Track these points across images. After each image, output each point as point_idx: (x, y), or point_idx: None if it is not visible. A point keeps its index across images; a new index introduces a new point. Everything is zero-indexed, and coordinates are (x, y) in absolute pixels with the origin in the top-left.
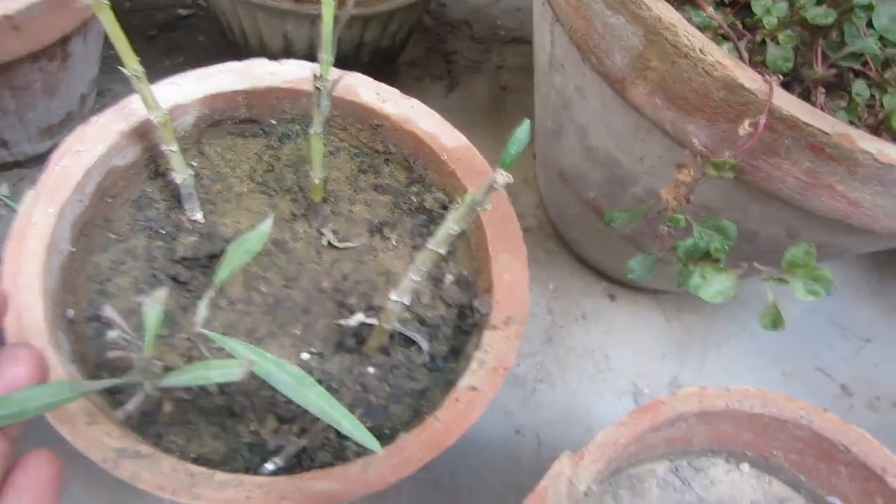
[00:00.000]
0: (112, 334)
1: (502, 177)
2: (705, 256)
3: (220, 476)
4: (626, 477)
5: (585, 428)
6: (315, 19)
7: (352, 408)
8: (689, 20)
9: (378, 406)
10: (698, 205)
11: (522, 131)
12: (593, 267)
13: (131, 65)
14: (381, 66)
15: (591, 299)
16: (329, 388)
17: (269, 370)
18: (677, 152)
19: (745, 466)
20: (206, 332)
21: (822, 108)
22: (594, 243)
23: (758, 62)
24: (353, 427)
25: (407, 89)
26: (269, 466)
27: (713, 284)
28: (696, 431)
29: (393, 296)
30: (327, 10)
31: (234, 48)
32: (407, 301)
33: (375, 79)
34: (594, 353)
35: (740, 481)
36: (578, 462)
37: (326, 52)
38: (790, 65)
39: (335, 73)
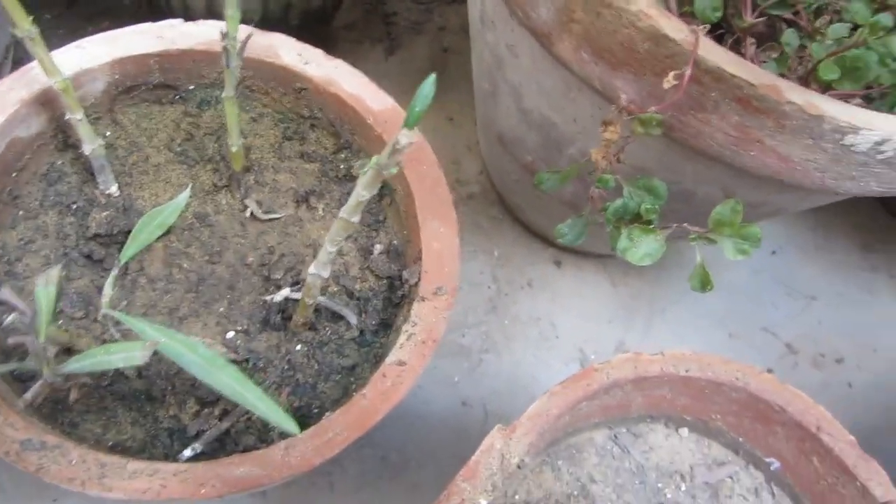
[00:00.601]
0: (10, 318)
1: (406, 137)
2: (636, 218)
3: (134, 465)
4: (564, 447)
5: (532, 397)
6: None
7: (279, 387)
8: None
9: (306, 384)
10: (632, 166)
11: (426, 86)
12: (538, 233)
13: (23, 25)
14: (315, 28)
15: (537, 266)
16: (255, 368)
17: (178, 351)
18: (608, 110)
19: (685, 431)
20: (112, 312)
21: (752, 60)
22: (537, 209)
23: (687, 12)
24: (269, 409)
25: (345, 54)
26: (188, 452)
27: (640, 246)
28: (633, 398)
29: (311, 269)
30: None
31: (159, 11)
32: (325, 274)
33: (311, 43)
34: (540, 321)
35: (679, 446)
36: (510, 435)
37: (231, 7)
38: (719, 14)
39: (245, 30)
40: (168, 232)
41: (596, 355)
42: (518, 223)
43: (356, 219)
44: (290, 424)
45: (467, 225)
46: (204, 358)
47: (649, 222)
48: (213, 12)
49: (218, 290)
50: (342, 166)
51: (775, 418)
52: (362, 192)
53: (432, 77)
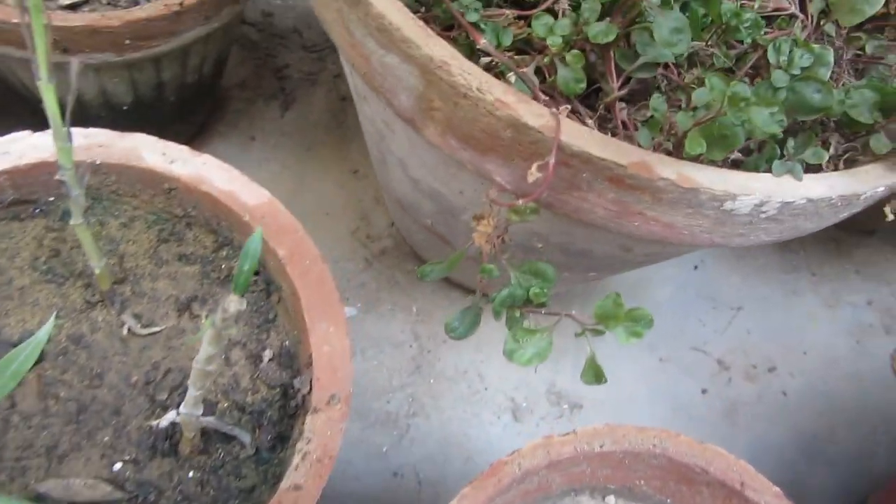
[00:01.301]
0: None
1: (235, 304)
2: (526, 303)
3: None
4: None
5: (465, 458)
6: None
7: None
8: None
9: None
10: (528, 232)
11: (253, 242)
12: (456, 283)
13: None
14: (198, 99)
15: None
16: (145, 501)
17: None
18: (489, 186)
19: (611, 498)
20: None
21: (624, 124)
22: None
23: (550, 86)
24: None
25: (238, 114)
26: None
27: (528, 347)
28: (552, 479)
29: (182, 409)
30: (48, 95)
31: (28, 104)
32: (198, 412)
33: (194, 112)
34: (467, 374)
35: None
36: None
37: (59, 138)
38: (583, 85)
39: (102, 137)
40: (41, 359)
41: (527, 402)
42: None
43: (212, 367)
44: None
45: (383, 282)
46: None
47: (541, 305)
48: (108, 103)
49: (101, 417)
50: (224, 266)
51: (699, 479)
52: (209, 347)
53: (259, 232)
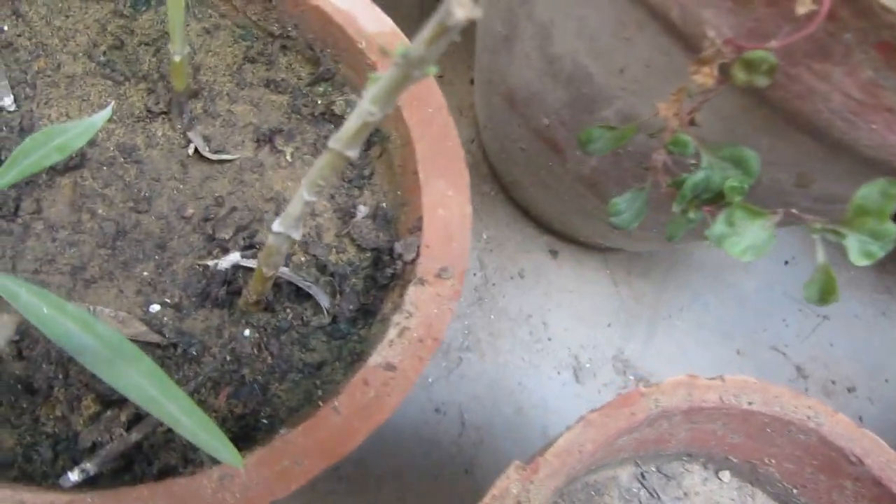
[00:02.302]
0: None
1: (463, 9)
2: (716, 198)
3: None
4: (580, 486)
5: (516, 408)
6: None
7: (216, 385)
8: None
9: (254, 384)
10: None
11: None
12: (535, 216)
13: None
14: None
15: (530, 255)
16: (185, 356)
17: (65, 330)
18: (675, 56)
19: (726, 475)
20: None
21: None
22: (540, 187)
23: None
24: (201, 429)
25: None
26: (74, 476)
27: (745, 235)
28: (677, 431)
29: (276, 226)
30: None
31: None
32: (297, 235)
33: None
34: (531, 319)
35: (719, 492)
36: (531, 477)
37: None
38: None
39: None
40: (80, 165)
41: (591, 363)
42: (512, 203)
43: (354, 153)
44: (229, 454)
45: None
46: (104, 343)
47: (730, 204)
48: None
49: (143, 248)
50: (320, 102)
51: (847, 471)
52: (371, 107)
53: None
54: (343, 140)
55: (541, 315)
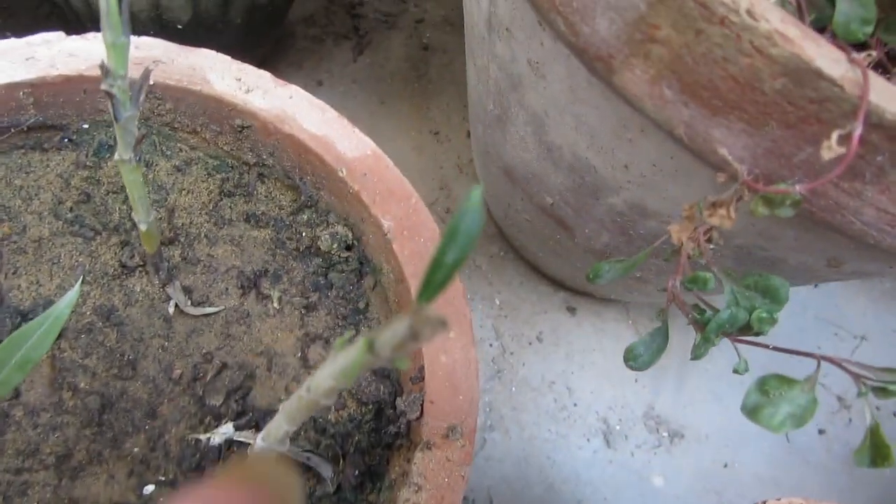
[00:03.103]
0: None
1: (416, 325)
2: (744, 330)
3: None
4: None
5: (547, 485)
6: None
7: None
8: None
9: None
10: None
11: (473, 197)
12: (548, 275)
13: None
14: (266, 27)
15: (547, 315)
16: None
17: None
18: (684, 160)
19: None
20: None
21: None
22: (550, 253)
23: (812, 22)
24: None
25: (304, 54)
26: None
27: (782, 404)
28: None
29: (261, 440)
30: None
31: (62, 18)
32: (284, 447)
33: (259, 42)
34: (554, 385)
35: None
36: None
37: (112, 29)
38: (870, 29)
39: (158, 50)
40: (57, 336)
41: (622, 425)
42: (523, 262)
43: (329, 401)
44: None
45: (463, 266)
46: None
47: (758, 334)
48: (161, 19)
49: (131, 419)
50: (304, 233)
51: None
52: (330, 381)
53: (477, 191)
54: (316, 391)
55: (564, 380)
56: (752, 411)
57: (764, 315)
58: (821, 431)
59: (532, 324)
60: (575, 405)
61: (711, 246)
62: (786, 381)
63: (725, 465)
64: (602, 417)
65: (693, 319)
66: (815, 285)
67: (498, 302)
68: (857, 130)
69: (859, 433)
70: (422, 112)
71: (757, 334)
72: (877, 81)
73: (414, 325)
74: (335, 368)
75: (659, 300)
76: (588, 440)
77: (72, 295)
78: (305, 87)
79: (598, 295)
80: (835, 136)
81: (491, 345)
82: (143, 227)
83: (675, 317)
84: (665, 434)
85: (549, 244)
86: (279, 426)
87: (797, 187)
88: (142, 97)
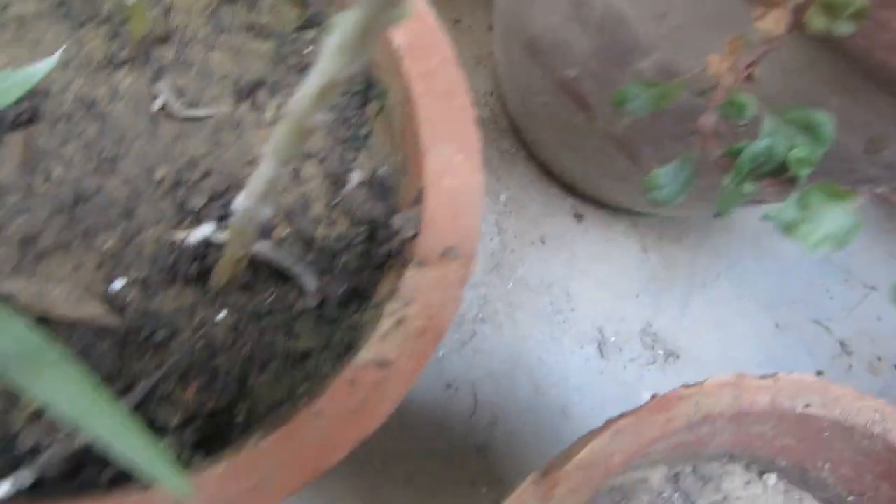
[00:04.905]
0: None
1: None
2: (777, 170)
3: None
4: (606, 490)
5: (534, 386)
6: None
7: (184, 376)
8: None
9: (229, 375)
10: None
11: None
12: (559, 176)
13: None
14: None
15: (554, 218)
16: (151, 342)
17: None
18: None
19: (772, 478)
20: None
21: None
22: (565, 145)
23: None
24: (139, 449)
25: None
26: (6, 486)
27: (822, 221)
28: (720, 434)
29: (240, 200)
30: None
31: None
32: (265, 211)
33: None
34: (552, 288)
35: (763, 497)
36: (550, 493)
37: None
38: None
39: None
40: (33, 119)
41: (617, 337)
42: (535, 161)
43: (319, 118)
44: (178, 483)
45: None
46: (18, 344)
47: (794, 179)
48: None
49: (106, 216)
50: (307, 51)
51: None
52: (331, 64)
53: None
54: (304, 102)
55: (563, 284)
56: (787, 225)
57: (803, 154)
58: (819, 373)
59: (537, 225)
60: (572, 310)
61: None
62: (831, 193)
63: None
64: (598, 327)
65: (727, 153)
66: None
67: (503, 198)
68: None
69: (858, 380)
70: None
71: (792, 181)
72: None
73: None
74: (339, 42)
75: (668, 212)
76: (581, 347)
77: (52, 60)
78: None
79: (608, 203)
80: None
81: (492, 239)
82: (129, 1)
83: (689, 234)
84: (660, 352)
85: (564, 133)
86: (264, 172)
87: None
88: None
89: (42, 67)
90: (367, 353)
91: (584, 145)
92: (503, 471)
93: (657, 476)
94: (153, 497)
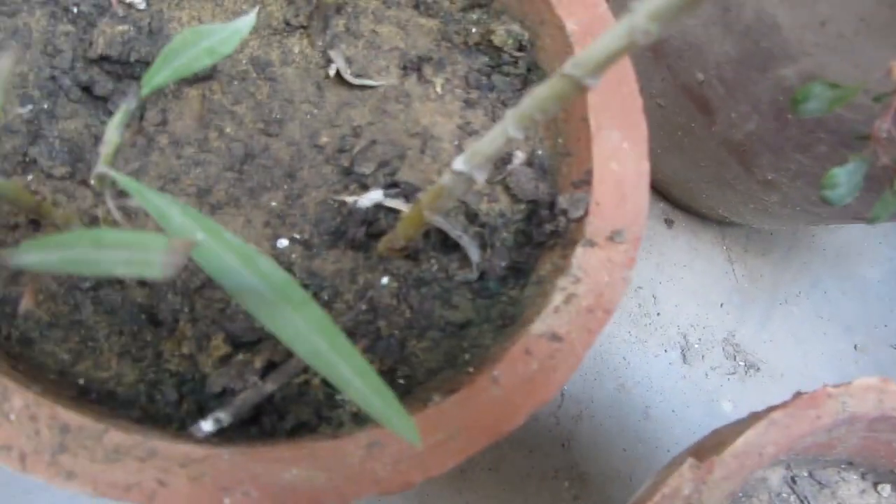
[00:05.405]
0: None
1: None
2: None
3: (116, 436)
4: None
5: (618, 384)
6: None
7: (351, 335)
8: None
9: (391, 338)
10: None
11: None
12: (654, 179)
13: None
14: None
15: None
16: (316, 300)
17: (223, 264)
18: None
19: (887, 489)
20: (114, 173)
21: None
22: (674, 149)
23: None
24: (374, 394)
25: None
26: (208, 426)
27: None
28: (850, 438)
29: (458, 163)
30: None
31: None
32: (482, 176)
33: None
34: (640, 290)
35: None
36: (706, 477)
37: None
38: None
39: None
40: (210, 76)
41: (700, 344)
42: None
43: (595, 82)
44: (408, 431)
45: None
46: (268, 283)
47: None
48: None
49: (271, 176)
50: (474, 30)
51: None
52: (647, 24)
53: None
54: (587, 64)
55: (651, 288)
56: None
57: None
58: None
59: None
60: (658, 314)
61: None
62: None
63: None
64: (682, 332)
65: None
66: None
67: None
68: None
69: None
70: None
71: None
72: None
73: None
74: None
75: (757, 223)
76: (665, 351)
77: (251, 17)
78: None
79: (699, 209)
80: None
81: None
82: None
83: (774, 248)
84: (742, 363)
85: (675, 136)
86: (497, 135)
87: None
88: None
89: (245, 23)
90: (541, 325)
91: (695, 149)
92: (586, 467)
93: (776, 477)
94: (344, 445)
